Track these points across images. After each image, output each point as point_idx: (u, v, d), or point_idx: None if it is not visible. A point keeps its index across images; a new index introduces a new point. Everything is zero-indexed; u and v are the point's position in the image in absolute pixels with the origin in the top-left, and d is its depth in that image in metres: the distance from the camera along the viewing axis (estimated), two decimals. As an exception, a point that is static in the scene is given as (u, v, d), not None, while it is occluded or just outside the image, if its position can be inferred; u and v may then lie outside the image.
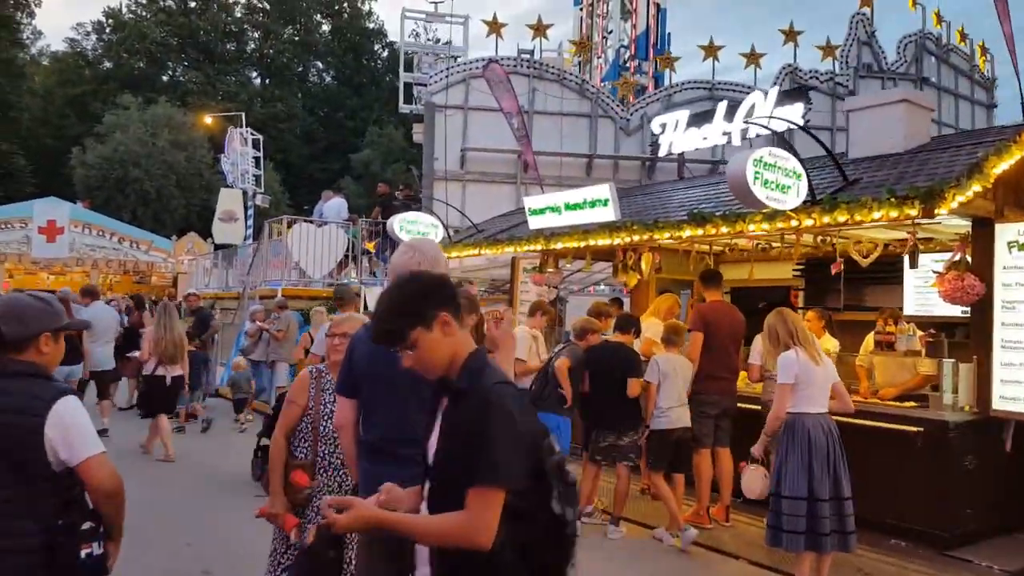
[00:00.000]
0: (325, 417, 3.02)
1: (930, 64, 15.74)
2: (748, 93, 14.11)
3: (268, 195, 19.47)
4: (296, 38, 39.17)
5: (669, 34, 24.17)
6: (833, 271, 6.18)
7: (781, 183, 4.59)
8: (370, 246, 12.76)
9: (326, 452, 3.02)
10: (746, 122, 5.45)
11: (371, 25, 40.26)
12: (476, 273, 13.44)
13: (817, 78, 14.66)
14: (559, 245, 6.91)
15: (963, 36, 16.33)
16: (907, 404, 5.75)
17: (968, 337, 6.35)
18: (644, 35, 23.03)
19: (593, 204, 6.27)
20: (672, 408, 5.50)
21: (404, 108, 14.23)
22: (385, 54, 39.33)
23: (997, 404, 5.28)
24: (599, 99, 14.05)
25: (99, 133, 29.05)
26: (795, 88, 7.30)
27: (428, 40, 14.70)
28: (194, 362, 8.14)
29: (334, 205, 13.54)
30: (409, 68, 16.16)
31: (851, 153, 6.09)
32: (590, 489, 5.58)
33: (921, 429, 5.20)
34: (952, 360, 5.49)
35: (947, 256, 6.72)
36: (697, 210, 5.58)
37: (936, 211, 4.21)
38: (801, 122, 7.16)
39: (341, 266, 13.21)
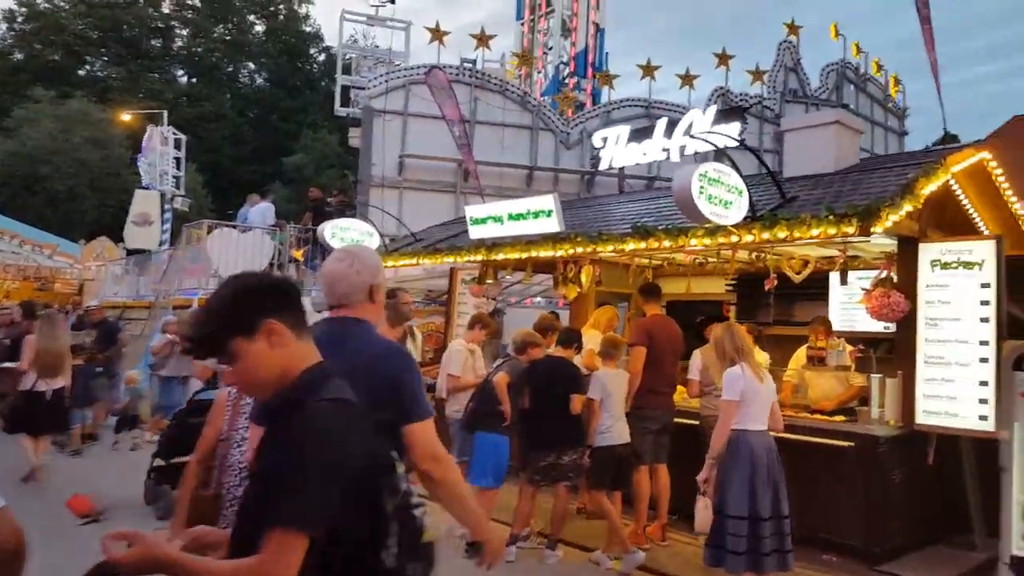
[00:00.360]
0: (236, 445, 2.70)
1: (849, 92, 16.54)
2: (683, 113, 14.51)
3: (188, 198, 18.59)
4: (228, 37, 37.90)
5: (607, 54, 24.67)
6: (767, 287, 6.27)
7: (724, 198, 4.60)
8: (297, 254, 12.31)
9: (232, 485, 2.67)
10: (691, 136, 5.44)
11: (308, 28, 39.40)
12: (412, 283, 13.13)
13: (747, 101, 15.16)
14: (501, 256, 6.77)
15: (879, 67, 17.27)
16: (837, 419, 5.89)
17: (891, 352, 6.58)
18: (583, 53, 23.43)
19: (537, 215, 6.17)
20: (614, 424, 5.43)
21: (340, 111, 13.88)
22: (322, 58, 38.56)
23: (921, 418, 5.42)
24: (540, 112, 14.07)
25: (7, 128, 27.17)
26: (731, 108, 7.40)
27: (368, 45, 14.34)
28: (82, 376, 7.61)
29: (260, 210, 13.02)
30: (347, 72, 15.79)
31: (786, 172, 6.22)
32: (527, 512, 5.42)
33: (852, 444, 5.29)
34: (880, 375, 5.66)
35: (872, 274, 6.98)
36: (640, 224, 5.56)
37: (872, 229, 4.30)
38: (735, 143, 7.26)
39: (269, 273, 12.68)
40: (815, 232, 4.48)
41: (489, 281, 9.16)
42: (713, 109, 7.72)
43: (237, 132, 35.15)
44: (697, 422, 5.75)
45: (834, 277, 8.08)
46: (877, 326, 7.38)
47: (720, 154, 7.87)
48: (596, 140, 8.86)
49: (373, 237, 8.75)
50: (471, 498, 2.15)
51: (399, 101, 13.27)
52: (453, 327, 10.26)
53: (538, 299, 13.41)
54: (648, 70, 14.66)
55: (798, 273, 6.09)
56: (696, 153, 7.80)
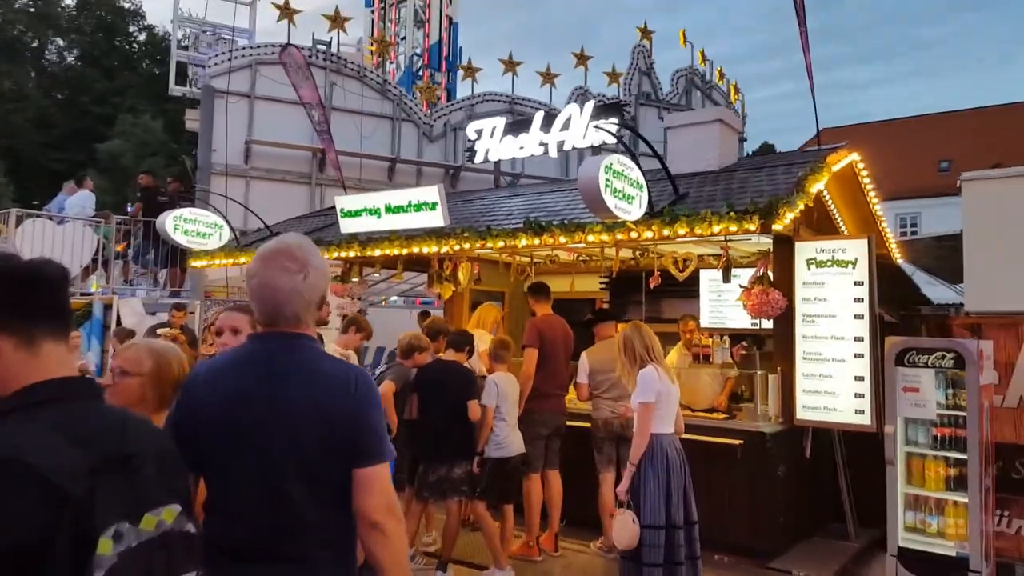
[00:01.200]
0: None
1: (696, 97, 17.48)
2: (546, 109, 14.56)
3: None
4: (32, 9, 33.10)
5: (461, 48, 24.37)
6: (652, 284, 6.23)
7: (627, 192, 4.39)
8: (120, 247, 10.76)
9: None
10: (596, 127, 5.18)
11: (126, 4, 35.36)
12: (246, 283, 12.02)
13: (605, 101, 15.49)
14: (377, 252, 6.16)
15: (721, 75, 18.43)
16: (717, 416, 5.95)
17: (757, 347, 6.79)
18: (437, 46, 22.94)
19: (419, 207, 5.64)
20: (510, 434, 5.07)
21: (176, 91, 12.34)
22: (142, 37, 34.83)
23: (801, 414, 5.58)
24: (402, 102, 13.41)
25: None
26: (609, 103, 7.31)
27: (206, 19, 12.81)
28: None
29: (79, 199, 11.23)
30: (183, 48, 14.11)
31: (671, 169, 6.18)
32: (414, 531, 4.94)
33: (742, 441, 5.33)
34: (763, 372, 5.78)
35: (744, 272, 7.19)
36: (533, 218, 5.22)
37: (773, 226, 4.27)
38: (613, 140, 7.19)
39: (87, 271, 10.97)
40: (716, 229, 4.40)
41: (355, 279, 8.47)
42: (591, 104, 7.58)
43: (43, 115, 30.82)
44: (588, 424, 5.55)
45: (705, 275, 8.36)
46: (745, 322, 7.71)
47: (597, 151, 7.82)
48: (470, 132, 8.43)
49: (222, 230, 7.72)
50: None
51: (244, 82, 12.04)
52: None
53: (394, 299, 12.79)
54: (510, 65, 14.51)
55: (682, 271, 6.09)
56: (574, 148, 7.67)
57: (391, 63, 21.20)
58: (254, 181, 11.91)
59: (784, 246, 5.73)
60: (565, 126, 7.63)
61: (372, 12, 23.30)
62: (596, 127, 4.88)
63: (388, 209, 5.86)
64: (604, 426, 5.39)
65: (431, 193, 5.61)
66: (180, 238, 7.22)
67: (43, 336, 1.15)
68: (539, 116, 7.95)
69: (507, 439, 5.06)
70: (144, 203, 11.16)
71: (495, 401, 5.03)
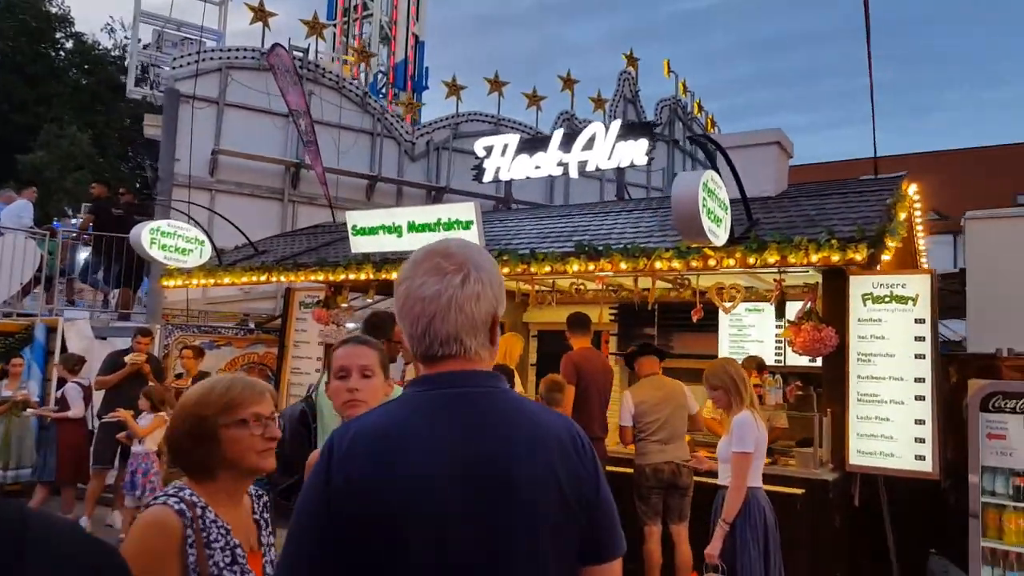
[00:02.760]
0: None
1: (678, 128, 17.59)
2: (530, 132, 14.32)
3: None
4: (-54, 10, 31.37)
5: (427, 68, 24.12)
6: (695, 318, 5.91)
7: (717, 215, 4.06)
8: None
9: None
10: (691, 138, 4.83)
11: (53, 9, 33.85)
12: (225, 306, 11.22)
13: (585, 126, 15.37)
14: (395, 275, 5.63)
15: (700, 108, 18.66)
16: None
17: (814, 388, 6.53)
18: (402, 64, 22.62)
19: (450, 226, 5.18)
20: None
21: (134, 92, 11.54)
22: (70, 44, 33.36)
23: (855, 459, 5.31)
24: (383, 117, 12.93)
25: None
26: (639, 123, 7.06)
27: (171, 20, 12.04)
28: None
29: (15, 209, 10.30)
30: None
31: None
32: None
33: (803, 491, 5.02)
34: (819, 414, 5.49)
35: (760, 307, 6.95)
36: (587, 243, 4.83)
37: (881, 257, 4.00)
38: (644, 159, 6.93)
39: (27, 289, 10.02)
40: (814, 258, 4.09)
41: (344, 304, 7.91)
42: (617, 123, 7.35)
43: None
44: (629, 470, 5.15)
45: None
46: (769, 359, 7.49)
47: (620, 173, 7.56)
48: (478, 149, 8.09)
49: (204, 246, 7.04)
50: None
51: (213, 87, 11.36)
52: (288, 359, 8.80)
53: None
54: (496, 85, 14.25)
55: (729, 303, 5.80)
56: (598, 168, 7.38)
57: (354, 79, 20.77)
58: (220, 195, 11.17)
59: (835, 279, 5.49)
60: (588, 145, 7.37)
61: (335, 25, 22.86)
62: (692, 137, 4.46)
63: (412, 227, 5.37)
64: (653, 474, 4.99)
65: (466, 210, 5.16)
66: (157, 253, 6.52)
67: None
68: (558, 134, 7.65)
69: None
70: (95, 215, 10.32)
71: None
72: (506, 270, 5.09)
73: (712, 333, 8.19)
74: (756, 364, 6.20)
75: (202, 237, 6.98)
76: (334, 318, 7.78)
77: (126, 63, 30.41)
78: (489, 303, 1.21)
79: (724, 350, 8.12)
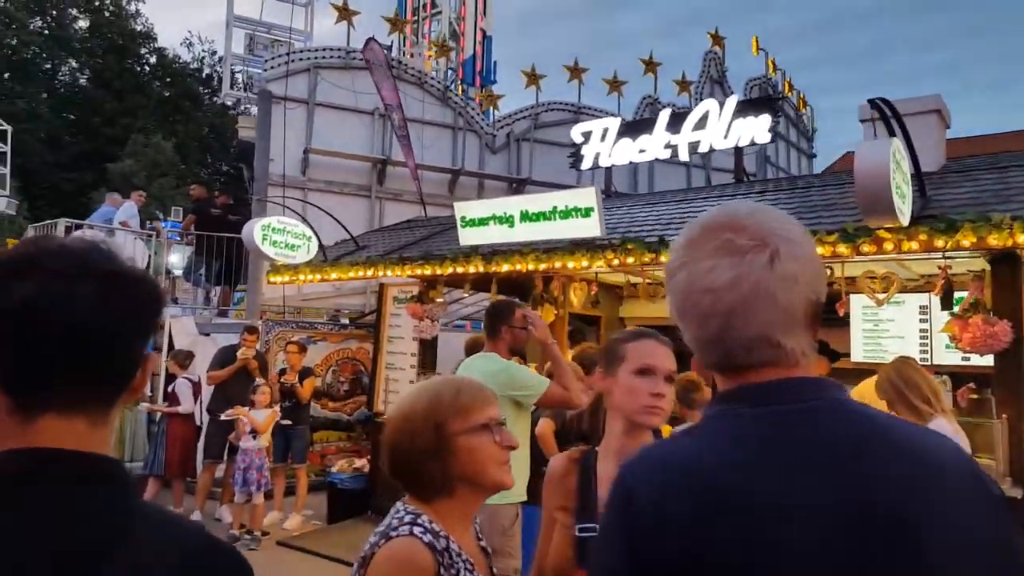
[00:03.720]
0: None
1: (767, 110, 16.81)
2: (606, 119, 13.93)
3: (13, 198, 15.36)
4: (46, 31, 33.45)
5: (495, 63, 24.02)
6: (840, 312, 5.44)
7: (902, 190, 3.65)
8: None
9: None
10: (870, 102, 4.41)
11: (138, 27, 35.68)
12: (319, 302, 11.35)
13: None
14: (505, 267, 5.44)
15: (791, 87, 17.79)
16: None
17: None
18: (471, 60, 22.57)
19: (567, 214, 4.94)
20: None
21: (230, 96, 11.80)
22: (153, 59, 35.11)
23: (1034, 471, 4.74)
24: (464, 110, 12.81)
25: None
26: (760, 98, 6.64)
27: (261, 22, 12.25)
28: None
29: (126, 211, 10.68)
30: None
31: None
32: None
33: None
34: (996, 421, 4.94)
35: (906, 298, 6.34)
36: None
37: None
38: (767, 137, 6.50)
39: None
40: (1022, 239, 3.60)
41: (440, 299, 7.78)
42: (734, 99, 6.96)
43: (54, 135, 31.01)
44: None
45: (858, 300, 7.52)
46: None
47: (738, 153, 7.16)
48: (575, 135, 7.85)
49: (311, 242, 7.06)
50: None
51: (302, 87, 11.48)
52: (383, 354, 8.73)
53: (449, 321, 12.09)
54: (575, 72, 13.91)
55: (883, 294, 5.32)
56: (712, 149, 7.00)
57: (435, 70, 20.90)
58: (311, 194, 11.29)
59: (1006, 266, 4.91)
60: (700, 124, 7.00)
61: (404, 23, 23.06)
62: (871, 101, 4.06)
63: (525, 217, 5.16)
64: None
65: (586, 196, 4.91)
66: (268, 250, 6.55)
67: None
68: (665, 114, 7.32)
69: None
70: (197, 215, 10.58)
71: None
72: (631, 260, 4.81)
73: (840, 329, 7.62)
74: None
75: (309, 233, 6.99)
76: (428, 313, 7.67)
77: (213, 70, 31.62)
78: (809, 287, 0.92)
79: (857, 349, 7.53)
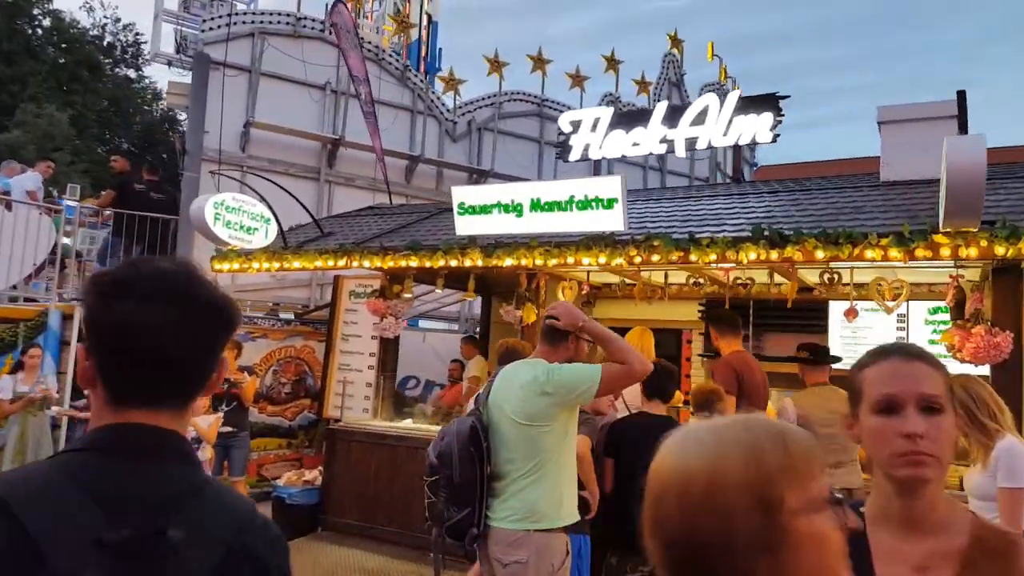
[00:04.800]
0: None
1: (720, 116, 16.87)
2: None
3: None
4: (-82, -16, 30.14)
5: (440, 50, 23.37)
6: (850, 319, 5.22)
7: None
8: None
9: None
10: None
11: None
12: (255, 294, 10.41)
13: (634, 108, 14.63)
14: (508, 261, 4.89)
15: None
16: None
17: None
18: (416, 45, 21.85)
19: (586, 205, 4.43)
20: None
21: (161, 58, 10.65)
22: (47, 22, 32.19)
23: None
24: (425, 93, 12.12)
25: None
26: (761, 95, 6.35)
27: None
28: None
29: (24, 181, 9.43)
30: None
31: (883, 175, 5.21)
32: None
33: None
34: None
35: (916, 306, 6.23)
36: (770, 226, 4.10)
37: None
38: (770, 136, 6.22)
39: (39, 271, 9.17)
40: None
41: (407, 295, 7.17)
42: (736, 95, 6.65)
43: None
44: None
45: (836, 306, 7.43)
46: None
47: (737, 151, 6.86)
48: (563, 123, 7.37)
49: (270, 224, 6.25)
50: None
51: (245, 53, 10.51)
52: (336, 354, 8.01)
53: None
54: (539, 63, 13.44)
55: (893, 301, 5.11)
56: (710, 146, 6.67)
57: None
58: (249, 175, 10.36)
59: (1007, 276, 4.82)
60: (699, 119, 6.66)
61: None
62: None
63: (535, 206, 4.62)
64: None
65: (609, 186, 4.42)
66: (221, 231, 5.72)
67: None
68: (662, 107, 6.94)
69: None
70: (118, 192, 9.46)
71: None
72: (655, 258, 4.36)
73: (819, 334, 7.53)
74: None
75: (268, 214, 6.18)
76: (392, 310, 7.03)
77: (116, 38, 29.21)
78: None
79: (835, 352, 7.45)
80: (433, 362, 10.10)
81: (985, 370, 5.31)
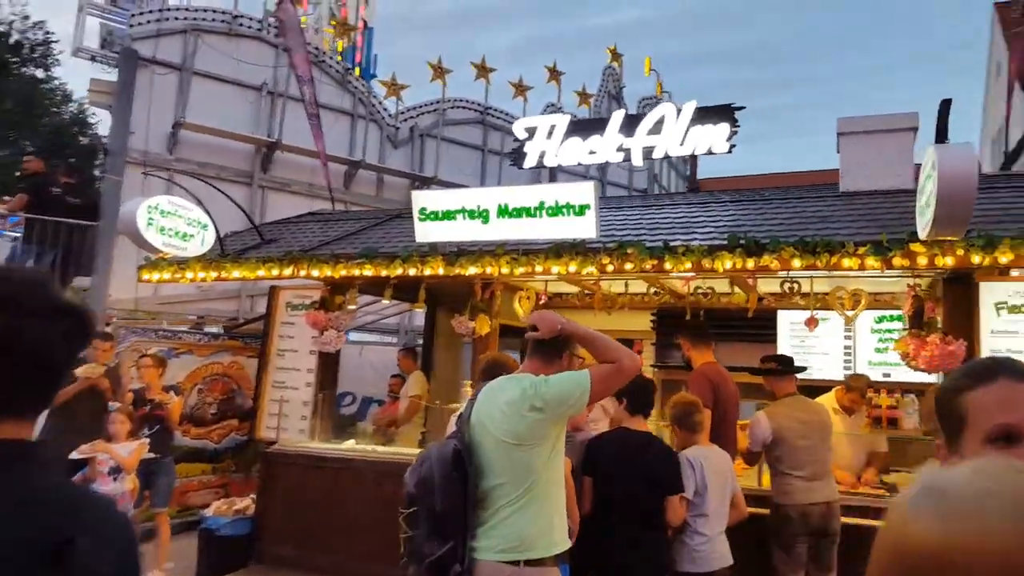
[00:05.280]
0: None
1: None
2: (512, 123, 13.42)
3: None
4: None
5: (376, 56, 23.03)
6: (811, 328, 5.22)
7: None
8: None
9: None
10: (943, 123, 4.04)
11: None
12: (179, 306, 9.79)
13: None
14: (472, 270, 4.66)
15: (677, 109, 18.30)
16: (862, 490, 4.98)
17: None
18: (351, 50, 21.48)
19: (557, 211, 4.26)
20: (713, 540, 3.74)
21: (84, 52, 9.92)
22: None
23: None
24: (366, 97, 11.77)
25: None
26: (718, 106, 6.35)
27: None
28: None
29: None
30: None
31: (842, 186, 5.25)
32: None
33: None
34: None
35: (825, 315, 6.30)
36: (745, 234, 4.03)
37: None
38: (726, 147, 6.22)
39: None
40: None
41: (351, 306, 6.84)
42: (692, 105, 6.60)
43: None
44: (766, 511, 4.37)
45: (785, 316, 7.51)
46: (838, 374, 6.93)
47: (693, 161, 6.83)
48: (517, 130, 7.17)
49: (207, 230, 5.79)
50: None
51: (176, 50, 9.93)
52: (270, 370, 7.53)
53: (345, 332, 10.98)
54: (483, 71, 13.30)
55: (852, 310, 5.14)
56: (667, 156, 6.61)
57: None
58: (180, 176, 9.77)
59: (959, 286, 4.94)
60: (655, 129, 6.59)
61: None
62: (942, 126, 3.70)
63: (503, 212, 4.42)
64: (801, 517, 4.21)
65: (582, 192, 4.25)
66: (154, 238, 5.24)
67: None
68: (618, 115, 6.83)
69: (707, 546, 3.75)
70: (31, 195, 8.73)
71: (692, 490, 3.73)
72: (629, 266, 4.22)
73: (768, 344, 7.60)
74: (865, 383, 5.53)
75: (206, 220, 5.73)
76: (333, 322, 6.68)
77: (24, 36, 27.39)
78: None
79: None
80: (371, 377, 9.71)
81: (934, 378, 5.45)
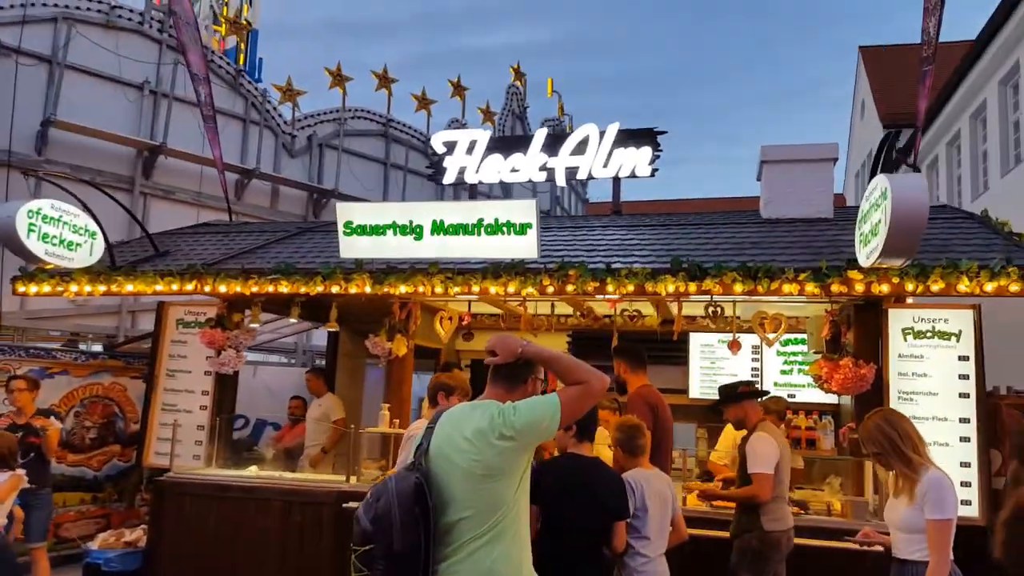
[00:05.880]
0: None
1: (557, 151, 17.49)
2: (422, 139, 13.26)
3: None
4: None
5: (261, 60, 22.27)
6: (734, 351, 5.38)
7: (876, 228, 3.52)
8: None
9: None
10: (894, 150, 4.19)
11: None
12: (50, 323, 8.87)
13: None
14: (402, 288, 4.46)
15: (571, 130, 18.79)
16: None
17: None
18: (232, 52, 20.64)
19: (497, 229, 4.15)
20: (653, 562, 3.73)
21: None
22: None
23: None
24: (260, 103, 11.22)
25: None
26: (640, 129, 6.51)
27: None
28: None
29: None
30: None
31: (764, 214, 5.48)
32: None
33: (882, 548, 4.61)
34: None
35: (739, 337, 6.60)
36: (688, 258, 4.08)
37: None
38: (648, 170, 6.39)
39: None
40: (989, 287, 3.70)
41: (255, 324, 6.45)
42: (616, 127, 6.73)
43: None
44: (723, 534, 4.39)
45: (696, 339, 7.75)
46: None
47: (616, 184, 6.93)
48: (436, 144, 7.08)
49: (97, 239, 5.22)
50: None
51: (45, 40, 9.06)
52: (159, 392, 6.95)
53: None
54: (384, 81, 13.07)
55: (772, 335, 5.35)
56: (591, 177, 6.70)
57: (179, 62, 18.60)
58: (47, 182, 8.88)
59: (869, 312, 5.27)
60: (579, 149, 6.68)
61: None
62: (897, 151, 3.85)
63: (438, 228, 4.25)
64: (786, 542, 4.21)
65: (524, 210, 4.16)
66: (36, 247, 4.63)
67: None
68: (541, 134, 6.89)
69: (649, 566, 3.72)
70: None
71: (634, 515, 3.70)
72: (570, 288, 4.18)
73: (679, 366, 7.82)
74: (784, 405, 5.75)
75: (94, 228, 5.16)
76: (232, 341, 6.25)
77: None
78: None
79: (695, 385, 7.78)
80: (265, 399, 9.19)
81: (844, 400, 5.76)
